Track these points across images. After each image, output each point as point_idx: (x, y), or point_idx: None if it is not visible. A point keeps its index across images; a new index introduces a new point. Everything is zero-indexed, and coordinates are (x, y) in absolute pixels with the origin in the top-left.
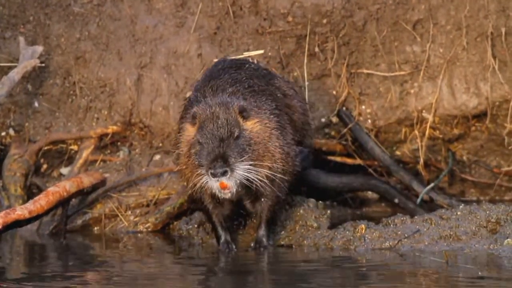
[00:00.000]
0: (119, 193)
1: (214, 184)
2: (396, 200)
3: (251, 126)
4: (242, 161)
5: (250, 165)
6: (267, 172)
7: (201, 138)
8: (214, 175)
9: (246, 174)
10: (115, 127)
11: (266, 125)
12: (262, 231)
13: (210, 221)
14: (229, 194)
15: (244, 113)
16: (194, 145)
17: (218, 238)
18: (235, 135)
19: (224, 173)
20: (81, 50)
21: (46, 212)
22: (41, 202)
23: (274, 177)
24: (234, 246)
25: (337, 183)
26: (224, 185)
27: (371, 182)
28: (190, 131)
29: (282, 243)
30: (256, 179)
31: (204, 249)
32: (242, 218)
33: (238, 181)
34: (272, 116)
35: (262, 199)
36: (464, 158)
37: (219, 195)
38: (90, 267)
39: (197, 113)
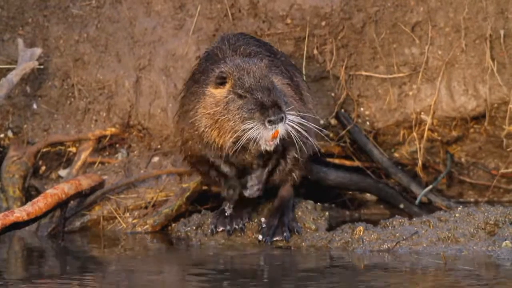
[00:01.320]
0: (118, 195)
1: (268, 133)
2: (402, 205)
3: (278, 83)
4: (289, 110)
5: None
6: (312, 125)
7: (244, 91)
8: (273, 122)
9: (296, 121)
10: (113, 129)
11: (290, 86)
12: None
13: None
14: (273, 146)
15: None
16: (231, 102)
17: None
18: (274, 85)
19: (281, 119)
20: (80, 52)
21: (45, 214)
22: (39, 204)
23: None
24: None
25: (348, 179)
26: (276, 133)
27: (379, 185)
28: (216, 93)
29: (280, 245)
30: (302, 130)
31: (202, 251)
32: (241, 219)
33: (286, 130)
34: (293, 83)
35: (286, 164)
36: (463, 160)
37: (263, 148)
38: (88, 269)
39: (226, 72)
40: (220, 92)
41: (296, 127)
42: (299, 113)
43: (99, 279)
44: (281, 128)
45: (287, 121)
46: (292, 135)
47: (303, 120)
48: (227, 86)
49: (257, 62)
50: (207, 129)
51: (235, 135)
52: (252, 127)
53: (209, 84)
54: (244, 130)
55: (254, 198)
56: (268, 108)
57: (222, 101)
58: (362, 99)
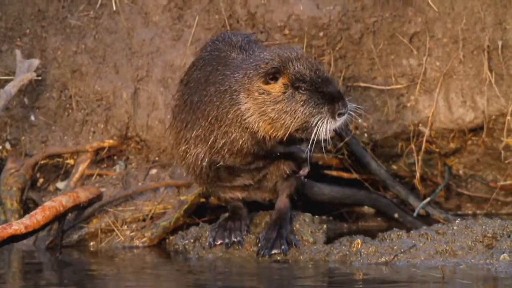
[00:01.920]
0: (115, 207)
1: (337, 124)
2: (396, 215)
3: None
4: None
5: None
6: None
7: (308, 85)
8: (342, 114)
9: (353, 110)
10: (111, 141)
11: None
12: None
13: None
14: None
15: None
16: (292, 97)
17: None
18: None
19: (347, 111)
20: (78, 63)
21: (43, 227)
22: (37, 216)
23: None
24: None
25: (341, 193)
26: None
27: (372, 196)
28: (270, 89)
29: (278, 258)
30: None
31: (200, 264)
32: (239, 232)
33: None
34: None
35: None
36: (460, 172)
37: (322, 137)
38: (86, 282)
39: (278, 66)
40: (274, 88)
41: (353, 116)
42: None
43: None
44: (345, 118)
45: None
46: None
47: (360, 107)
48: (282, 80)
49: (297, 48)
50: (261, 126)
51: (293, 132)
52: (321, 121)
53: (253, 80)
54: (312, 124)
55: (249, 213)
56: (337, 100)
57: (280, 98)
58: (360, 110)
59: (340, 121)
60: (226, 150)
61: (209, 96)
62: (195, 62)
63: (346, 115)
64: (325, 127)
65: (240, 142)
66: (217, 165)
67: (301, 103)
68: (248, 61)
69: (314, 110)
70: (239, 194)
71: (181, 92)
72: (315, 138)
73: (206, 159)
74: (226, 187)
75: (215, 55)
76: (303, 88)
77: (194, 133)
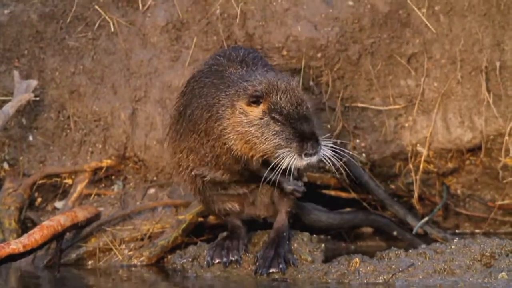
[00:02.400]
0: (113, 227)
1: (302, 163)
2: (395, 233)
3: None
4: (323, 139)
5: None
6: (346, 151)
7: (282, 118)
8: (309, 155)
9: (329, 151)
10: (109, 161)
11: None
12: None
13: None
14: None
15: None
16: (266, 125)
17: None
18: (311, 111)
19: (316, 153)
20: (76, 84)
21: (41, 246)
22: (35, 236)
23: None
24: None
25: (339, 219)
26: None
27: (370, 217)
28: (249, 111)
29: (276, 277)
30: (333, 157)
31: (198, 283)
32: (237, 251)
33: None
34: None
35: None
36: (459, 191)
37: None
38: None
39: (261, 92)
40: (253, 111)
41: (329, 157)
42: (332, 141)
43: None
44: (315, 159)
45: (321, 153)
46: (326, 162)
47: (336, 148)
48: (262, 106)
49: (289, 80)
50: (237, 144)
51: (266, 156)
52: (287, 156)
53: (239, 99)
54: (278, 156)
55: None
56: (307, 141)
57: (255, 123)
58: (358, 130)
59: (306, 161)
60: (214, 164)
61: (200, 109)
62: (195, 74)
63: (315, 156)
64: (290, 162)
65: (224, 158)
66: (207, 178)
67: (273, 133)
68: (244, 78)
69: (283, 144)
70: (236, 205)
71: (179, 103)
72: (281, 169)
73: (198, 171)
74: (222, 194)
75: (213, 69)
76: (278, 120)
77: (186, 144)
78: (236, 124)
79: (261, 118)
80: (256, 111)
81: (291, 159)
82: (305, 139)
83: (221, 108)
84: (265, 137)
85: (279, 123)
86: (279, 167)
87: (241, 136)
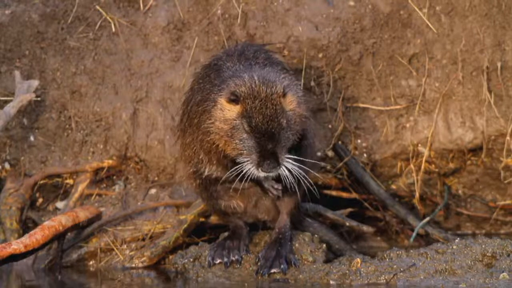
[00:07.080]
0: (115, 227)
1: (260, 174)
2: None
3: (289, 102)
4: (288, 156)
5: (294, 159)
6: (307, 169)
7: (250, 129)
8: (265, 172)
9: (290, 168)
10: (110, 161)
11: (300, 99)
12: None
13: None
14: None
15: (284, 91)
16: (237, 129)
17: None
18: (283, 126)
19: (272, 172)
20: (77, 84)
21: (42, 246)
22: (36, 236)
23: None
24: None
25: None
26: None
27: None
28: (227, 108)
29: (278, 277)
30: (298, 173)
31: (199, 283)
32: (238, 251)
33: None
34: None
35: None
36: (460, 192)
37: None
38: None
39: (240, 94)
40: (230, 110)
41: (295, 171)
42: (296, 158)
43: None
44: (272, 175)
45: (281, 169)
46: (286, 179)
47: (297, 166)
48: (238, 108)
49: (274, 87)
50: (219, 140)
51: (235, 156)
52: (248, 163)
53: (222, 95)
54: (241, 160)
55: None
56: (265, 158)
57: (229, 122)
58: (359, 131)
59: (263, 174)
60: (207, 160)
61: (196, 105)
62: (201, 69)
63: (271, 173)
64: (249, 170)
65: (212, 153)
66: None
67: (240, 138)
68: (235, 74)
69: (245, 151)
70: (240, 203)
71: (185, 98)
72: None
73: (195, 168)
74: (227, 188)
75: (213, 64)
76: (245, 129)
77: (186, 139)
78: (217, 119)
79: (234, 120)
80: (233, 110)
81: (250, 168)
82: (264, 155)
83: (212, 103)
84: (233, 139)
85: (246, 132)
86: (243, 170)
87: (218, 131)
